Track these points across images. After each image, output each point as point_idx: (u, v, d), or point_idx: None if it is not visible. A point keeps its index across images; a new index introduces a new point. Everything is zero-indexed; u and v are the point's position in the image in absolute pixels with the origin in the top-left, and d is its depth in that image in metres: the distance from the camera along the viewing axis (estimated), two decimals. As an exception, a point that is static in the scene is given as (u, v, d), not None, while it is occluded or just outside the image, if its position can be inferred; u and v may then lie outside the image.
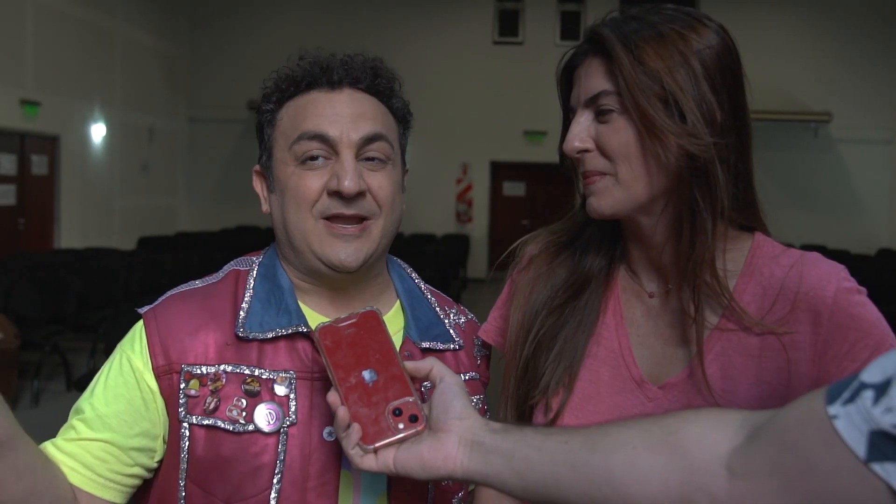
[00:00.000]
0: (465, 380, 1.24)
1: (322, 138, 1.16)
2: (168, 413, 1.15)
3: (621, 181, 1.11)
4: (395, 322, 1.26)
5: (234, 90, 15.64)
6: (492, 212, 16.86)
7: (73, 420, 1.16)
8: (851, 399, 0.69)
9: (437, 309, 1.31)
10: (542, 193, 16.66)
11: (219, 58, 16.16)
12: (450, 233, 16.19)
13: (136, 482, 1.17)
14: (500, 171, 16.77)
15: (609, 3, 14.94)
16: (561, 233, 1.29)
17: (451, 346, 1.27)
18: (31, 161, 11.62)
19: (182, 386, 1.13)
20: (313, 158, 1.16)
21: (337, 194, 1.14)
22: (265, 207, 1.25)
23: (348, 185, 1.13)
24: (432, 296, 1.33)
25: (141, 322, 1.20)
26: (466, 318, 1.36)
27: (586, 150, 1.13)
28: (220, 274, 1.26)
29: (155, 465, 1.17)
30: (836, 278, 1.08)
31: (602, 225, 1.23)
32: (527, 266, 1.28)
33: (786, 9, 14.95)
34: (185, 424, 1.13)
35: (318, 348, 1.05)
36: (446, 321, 1.30)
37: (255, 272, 1.23)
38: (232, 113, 15.91)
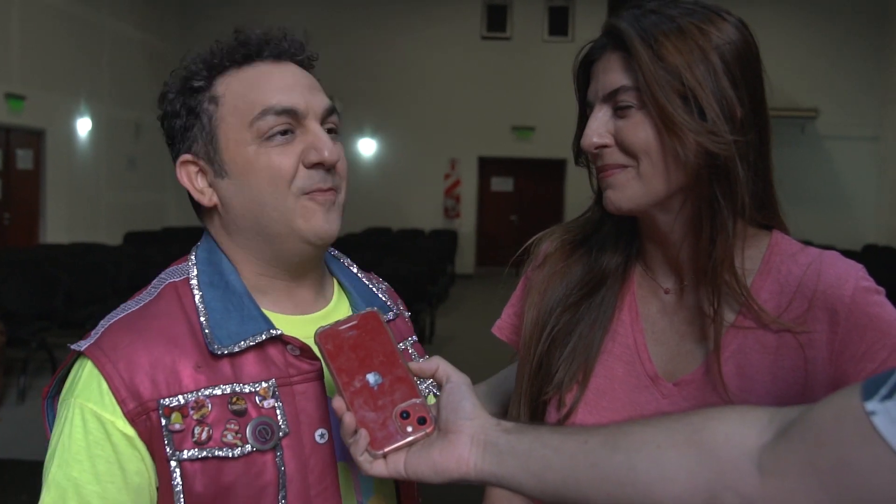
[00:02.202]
0: (411, 342, 1.27)
1: (291, 112, 1.08)
2: (153, 456, 1.04)
3: (641, 174, 1.10)
4: (341, 306, 1.22)
5: (222, 85, 15.55)
6: (480, 207, 16.85)
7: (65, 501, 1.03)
8: (890, 395, 0.68)
9: (367, 282, 1.27)
10: (530, 189, 16.68)
11: (206, 52, 16.07)
12: (438, 228, 16.17)
13: None
14: (489, 167, 16.76)
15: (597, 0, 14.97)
16: (576, 230, 1.28)
17: (390, 315, 1.24)
18: (16, 155, 11.53)
19: (163, 423, 1.02)
20: (283, 133, 1.08)
21: (318, 166, 1.08)
22: (207, 199, 1.12)
23: (329, 154, 1.08)
24: (358, 270, 1.29)
25: (89, 364, 1.05)
26: (385, 284, 1.33)
27: (605, 146, 1.12)
28: (154, 291, 1.13)
29: None
30: (854, 277, 1.07)
31: (619, 222, 1.22)
32: (542, 264, 1.27)
33: (772, 5, 14.98)
34: (174, 462, 1.02)
35: (320, 354, 1.01)
36: (379, 293, 1.26)
37: (195, 281, 1.12)
38: (219, 108, 15.81)
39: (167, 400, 1.03)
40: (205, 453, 1.03)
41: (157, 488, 1.06)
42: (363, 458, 0.96)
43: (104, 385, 1.03)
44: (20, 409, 6.38)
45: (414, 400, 0.98)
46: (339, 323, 1.03)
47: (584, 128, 1.15)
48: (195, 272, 1.13)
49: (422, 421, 0.97)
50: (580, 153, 1.19)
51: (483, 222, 16.82)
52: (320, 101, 1.12)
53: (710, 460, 0.80)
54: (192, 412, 1.03)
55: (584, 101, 1.17)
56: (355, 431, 0.96)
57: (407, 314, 1.32)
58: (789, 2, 15.49)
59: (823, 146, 15.63)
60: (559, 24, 16.16)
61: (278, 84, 1.10)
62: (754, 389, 1.09)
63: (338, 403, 0.98)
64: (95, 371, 1.04)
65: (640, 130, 1.08)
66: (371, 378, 0.99)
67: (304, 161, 1.08)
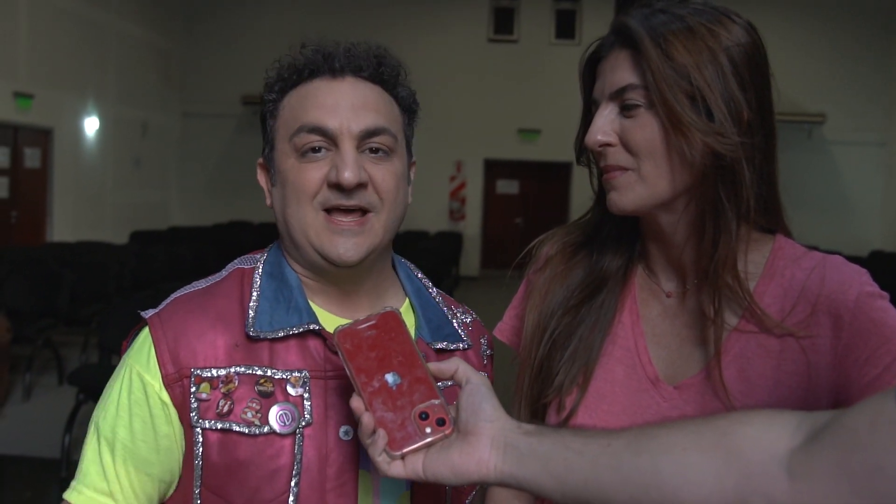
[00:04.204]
0: None
1: (321, 131, 1.12)
2: (181, 421, 1.10)
3: (644, 177, 1.09)
4: (405, 321, 1.23)
5: (228, 85, 15.59)
6: (485, 210, 16.84)
7: (102, 449, 1.11)
8: None
9: (445, 309, 1.28)
10: (535, 192, 16.67)
11: (213, 53, 16.10)
12: (443, 230, 16.16)
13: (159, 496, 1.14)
14: (494, 169, 16.75)
15: (605, 2, 14.94)
16: (577, 232, 1.27)
17: (461, 345, 1.23)
18: (23, 154, 11.56)
19: (193, 390, 1.09)
20: (314, 150, 1.12)
21: (337, 186, 1.11)
22: (268, 201, 1.21)
23: (348, 176, 1.09)
24: (438, 295, 1.30)
25: (146, 330, 1.14)
26: (472, 317, 1.33)
27: (609, 145, 1.11)
28: (224, 273, 1.21)
29: (175, 481, 1.13)
30: (858, 282, 1.07)
31: (620, 223, 1.21)
32: (543, 266, 1.27)
33: (780, 11, 14.96)
34: (198, 430, 1.09)
35: (338, 353, 1.01)
36: (454, 321, 1.27)
37: (260, 270, 1.19)
38: (225, 108, 15.85)
39: (200, 370, 1.10)
40: (223, 425, 1.08)
41: (183, 453, 1.12)
42: (381, 459, 0.95)
43: (152, 351, 1.12)
44: (25, 407, 6.39)
45: (433, 401, 0.97)
46: (357, 322, 1.02)
47: (587, 126, 1.14)
48: (262, 262, 1.21)
49: (441, 422, 0.96)
50: (582, 152, 1.19)
51: (488, 225, 16.81)
52: (359, 122, 1.13)
53: (737, 464, 0.79)
54: (220, 385, 1.09)
55: (590, 98, 1.17)
56: (374, 432, 0.96)
57: (488, 352, 1.32)
58: (797, 7, 15.46)
59: (830, 151, 15.60)
60: (566, 27, 16.15)
61: (321, 102, 1.14)
62: (756, 393, 1.08)
63: (356, 403, 0.97)
64: (149, 338, 1.13)
65: (647, 130, 1.07)
66: (390, 378, 0.98)
67: (327, 179, 1.12)
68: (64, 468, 4.84)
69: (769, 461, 0.77)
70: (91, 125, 13.03)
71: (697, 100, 1.04)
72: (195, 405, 1.09)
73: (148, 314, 1.16)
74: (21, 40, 11.16)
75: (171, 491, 1.14)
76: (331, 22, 15.17)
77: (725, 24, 1.08)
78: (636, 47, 1.07)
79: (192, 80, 16.18)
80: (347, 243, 1.12)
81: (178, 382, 1.10)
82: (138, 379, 1.11)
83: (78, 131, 12.74)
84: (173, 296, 1.19)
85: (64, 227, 12.22)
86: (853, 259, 1.14)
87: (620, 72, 1.09)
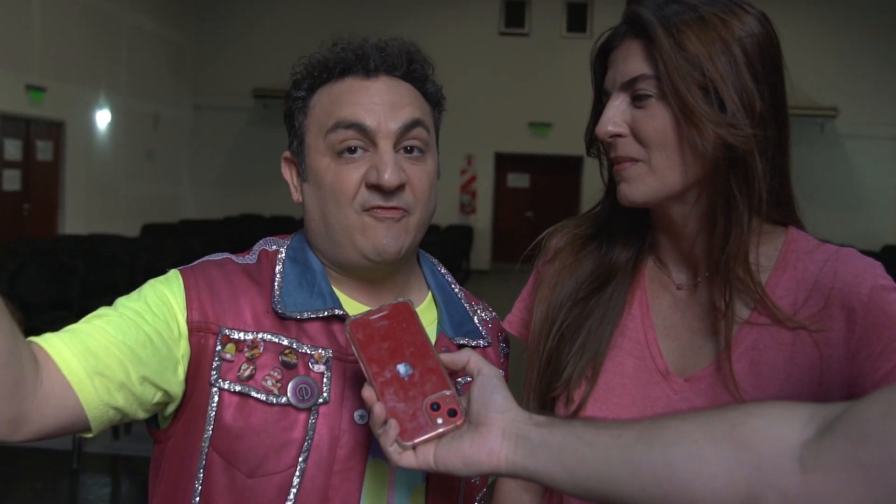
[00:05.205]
0: None
1: (359, 127, 1.12)
2: (194, 373, 1.09)
3: (655, 168, 1.08)
4: (427, 315, 1.23)
5: (240, 78, 15.61)
6: (496, 203, 16.83)
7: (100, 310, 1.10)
8: None
9: (466, 305, 1.28)
10: (546, 185, 16.65)
11: (224, 46, 16.12)
12: (453, 223, 16.16)
13: (120, 416, 1.06)
14: (505, 163, 16.74)
15: (616, -4, 14.93)
16: (587, 224, 1.27)
17: (481, 342, 1.23)
18: (36, 147, 11.60)
19: (218, 349, 1.09)
20: (351, 151, 1.12)
21: (376, 188, 1.11)
22: (296, 196, 1.21)
23: (389, 178, 1.09)
24: (461, 291, 1.31)
25: (176, 271, 1.15)
26: (491, 314, 1.33)
27: (620, 135, 1.10)
28: (253, 256, 1.22)
29: (148, 413, 1.09)
30: (871, 275, 1.06)
31: (630, 214, 1.20)
32: (552, 258, 1.26)
33: (792, 3, 14.88)
34: (216, 389, 1.09)
35: (350, 343, 1.01)
36: (475, 318, 1.27)
37: (283, 254, 1.20)
38: (237, 101, 15.88)
39: (229, 331, 1.10)
40: (241, 389, 1.09)
41: (183, 407, 1.11)
42: (392, 449, 0.96)
43: (182, 285, 1.12)
44: (37, 399, 6.43)
45: (444, 392, 0.98)
46: (370, 312, 1.03)
47: (598, 116, 1.13)
48: (286, 246, 1.22)
49: (452, 413, 0.97)
50: (592, 142, 1.18)
51: (499, 218, 16.80)
52: (396, 120, 1.13)
53: (749, 456, 0.79)
54: (246, 349, 1.10)
55: (601, 89, 1.16)
56: (385, 422, 0.96)
57: (505, 350, 1.32)
58: (809, 1, 15.37)
59: (843, 145, 15.51)
60: (578, 20, 16.10)
61: (358, 100, 1.14)
62: (768, 387, 1.07)
63: (367, 393, 0.98)
64: (180, 280, 1.13)
65: (658, 121, 1.07)
66: (401, 369, 0.99)
67: (365, 180, 1.11)
68: (75, 460, 4.85)
69: (781, 453, 0.77)
70: (103, 118, 13.07)
71: (710, 91, 1.04)
72: (217, 364, 1.09)
73: (179, 268, 1.16)
74: (33, 33, 11.20)
75: (153, 401, 1.09)
76: (342, 15, 15.16)
77: (738, 14, 1.07)
78: (648, 37, 1.06)
79: (203, 74, 16.22)
80: (389, 234, 1.13)
81: (200, 333, 1.10)
82: (165, 297, 1.10)
83: (90, 124, 12.78)
84: (205, 258, 1.20)
85: (76, 219, 12.27)
86: (866, 253, 1.13)
87: (632, 62, 1.09)
